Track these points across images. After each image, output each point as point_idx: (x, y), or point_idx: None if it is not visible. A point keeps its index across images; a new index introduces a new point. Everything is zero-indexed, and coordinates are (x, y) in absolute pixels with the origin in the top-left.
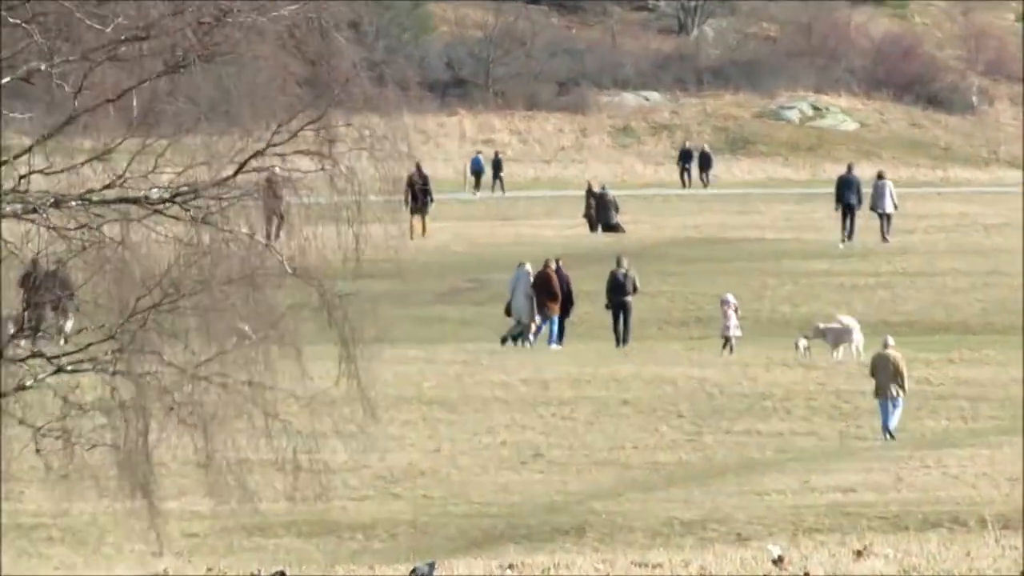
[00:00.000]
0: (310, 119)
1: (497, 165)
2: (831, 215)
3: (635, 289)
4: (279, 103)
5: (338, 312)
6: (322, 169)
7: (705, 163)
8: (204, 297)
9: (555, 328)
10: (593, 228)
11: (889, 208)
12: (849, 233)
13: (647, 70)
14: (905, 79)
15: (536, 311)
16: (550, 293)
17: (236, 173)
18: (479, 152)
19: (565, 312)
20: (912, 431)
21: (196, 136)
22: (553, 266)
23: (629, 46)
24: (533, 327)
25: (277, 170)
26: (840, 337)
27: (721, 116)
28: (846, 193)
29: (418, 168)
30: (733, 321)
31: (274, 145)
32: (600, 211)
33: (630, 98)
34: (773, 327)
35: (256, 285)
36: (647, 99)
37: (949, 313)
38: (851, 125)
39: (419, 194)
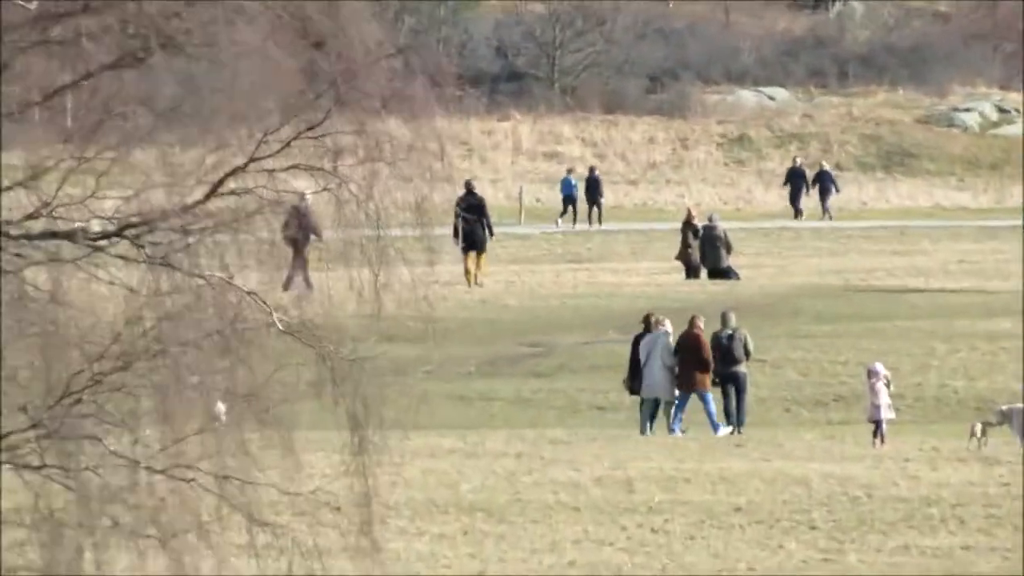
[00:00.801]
0: (309, 124)
1: (594, 187)
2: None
3: (747, 355)
4: (266, 105)
5: (347, 385)
6: (325, 189)
7: (824, 187)
8: (161, 364)
9: (712, 407)
10: (694, 273)
11: None
12: None
13: (771, 59)
14: None
15: (677, 385)
16: (700, 361)
17: (208, 197)
18: (570, 170)
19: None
20: None
21: (151, 148)
22: (701, 324)
23: (747, 26)
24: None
25: (264, 192)
26: None
27: (872, 121)
28: None
29: (468, 189)
30: (885, 399)
31: (259, 159)
32: (705, 250)
33: (748, 97)
34: (942, 408)
35: (234, 348)
36: (771, 98)
37: None
38: None
39: (474, 224)
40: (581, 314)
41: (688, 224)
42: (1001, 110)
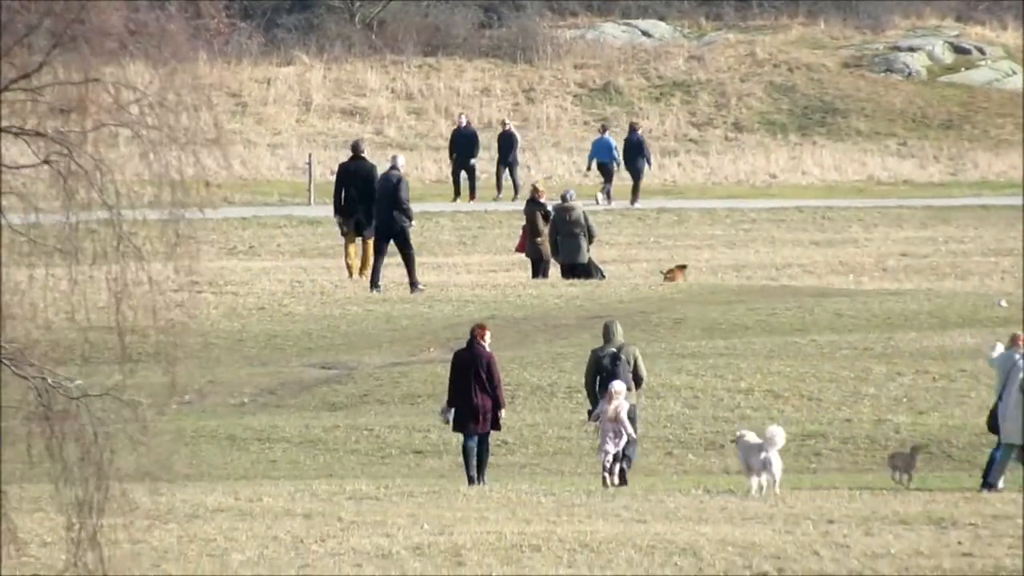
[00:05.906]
0: (21, 71)
1: (636, 149)
2: None
3: (639, 382)
4: None
5: (68, 425)
6: (45, 162)
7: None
8: None
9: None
10: (543, 271)
11: None
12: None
13: None
14: None
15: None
16: None
17: None
18: (605, 128)
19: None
20: None
21: None
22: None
23: None
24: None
25: None
26: None
27: (784, 65)
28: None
29: (356, 152)
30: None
31: None
32: (559, 239)
33: (616, 33)
34: (877, 452)
35: None
36: (648, 35)
37: None
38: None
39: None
40: (392, 325)
41: (534, 203)
42: (958, 49)
